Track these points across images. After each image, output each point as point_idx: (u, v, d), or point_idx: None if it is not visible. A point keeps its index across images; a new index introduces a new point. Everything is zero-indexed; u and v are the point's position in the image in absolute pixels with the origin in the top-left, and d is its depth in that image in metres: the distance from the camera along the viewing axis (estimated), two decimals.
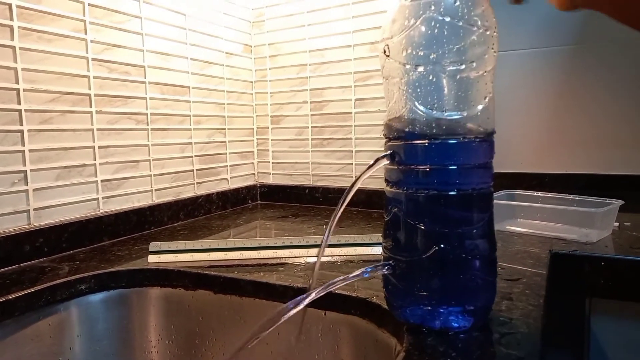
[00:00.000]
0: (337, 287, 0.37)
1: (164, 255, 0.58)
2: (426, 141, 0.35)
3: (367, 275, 0.37)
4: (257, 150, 1.04)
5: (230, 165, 0.96)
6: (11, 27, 0.57)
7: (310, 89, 0.95)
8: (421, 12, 0.34)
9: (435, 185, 0.35)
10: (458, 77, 0.34)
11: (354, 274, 0.37)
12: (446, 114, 0.34)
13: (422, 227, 0.35)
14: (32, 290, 0.48)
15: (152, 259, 0.57)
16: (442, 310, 0.35)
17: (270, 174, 1.03)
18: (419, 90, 0.35)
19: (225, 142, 0.94)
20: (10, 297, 0.46)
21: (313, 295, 0.36)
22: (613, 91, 0.85)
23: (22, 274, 0.54)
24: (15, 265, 0.57)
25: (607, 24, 0.82)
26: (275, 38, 0.98)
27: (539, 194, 0.71)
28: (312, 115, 0.96)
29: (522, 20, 0.89)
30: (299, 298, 0.36)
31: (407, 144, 0.35)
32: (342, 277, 0.37)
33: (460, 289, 0.35)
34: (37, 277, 0.52)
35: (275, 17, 0.98)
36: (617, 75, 0.84)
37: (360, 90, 0.90)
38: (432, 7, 0.34)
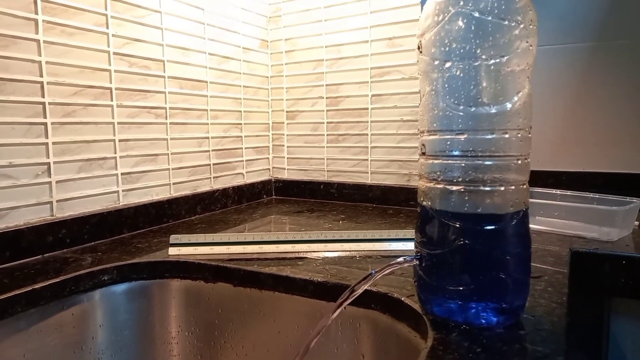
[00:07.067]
0: (397, 267, 0.39)
1: (184, 247, 0.58)
2: (460, 136, 0.34)
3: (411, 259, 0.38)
4: (273, 145, 1.04)
5: (246, 160, 0.97)
6: (36, 21, 0.57)
7: (326, 85, 0.95)
8: (451, 8, 0.34)
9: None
10: (489, 72, 0.34)
11: (400, 259, 0.39)
12: (480, 108, 0.34)
13: (456, 223, 0.35)
14: (57, 280, 0.49)
15: (172, 251, 0.58)
16: (472, 306, 0.35)
17: (285, 169, 1.03)
18: (446, 85, 0.35)
19: (241, 137, 0.95)
20: (37, 286, 0.47)
21: (379, 275, 0.38)
22: (631, 89, 0.84)
23: (45, 265, 0.54)
24: (39, 255, 0.58)
25: (626, 22, 0.81)
26: (292, 33, 0.98)
27: (558, 192, 0.70)
28: (327, 110, 0.96)
29: (540, 17, 0.88)
30: (360, 280, 0.38)
31: (439, 138, 0.35)
32: (399, 259, 0.39)
33: (493, 286, 0.35)
34: (60, 267, 0.53)
35: (291, 12, 0.98)
36: (636, 73, 0.83)
37: (377, 86, 0.89)
38: (461, 3, 0.34)
